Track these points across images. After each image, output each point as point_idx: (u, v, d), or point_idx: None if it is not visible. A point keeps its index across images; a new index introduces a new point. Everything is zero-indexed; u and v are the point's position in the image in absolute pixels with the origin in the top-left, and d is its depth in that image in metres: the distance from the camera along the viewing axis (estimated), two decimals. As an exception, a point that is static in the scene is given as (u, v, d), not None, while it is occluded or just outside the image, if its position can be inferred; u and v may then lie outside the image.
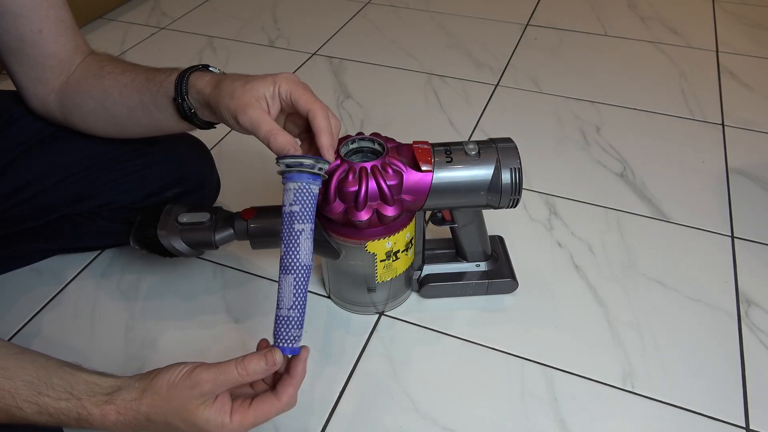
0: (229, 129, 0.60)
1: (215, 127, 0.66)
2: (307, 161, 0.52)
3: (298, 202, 0.52)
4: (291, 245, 0.52)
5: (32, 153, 0.71)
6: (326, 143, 0.56)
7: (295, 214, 0.52)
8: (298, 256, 0.52)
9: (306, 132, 0.60)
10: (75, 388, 0.50)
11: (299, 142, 0.58)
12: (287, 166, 0.52)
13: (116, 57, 0.69)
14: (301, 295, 0.52)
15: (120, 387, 0.51)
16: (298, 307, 0.52)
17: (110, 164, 0.74)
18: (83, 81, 0.66)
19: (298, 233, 0.52)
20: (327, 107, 0.57)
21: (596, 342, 0.71)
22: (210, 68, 0.63)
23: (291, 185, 0.52)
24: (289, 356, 0.53)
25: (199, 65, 0.62)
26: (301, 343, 0.53)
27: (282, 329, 0.52)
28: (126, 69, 0.66)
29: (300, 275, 0.52)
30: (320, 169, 0.53)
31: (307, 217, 0.52)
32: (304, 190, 0.52)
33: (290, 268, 0.51)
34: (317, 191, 0.53)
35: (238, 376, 0.50)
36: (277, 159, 0.53)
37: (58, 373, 0.50)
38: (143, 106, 0.64)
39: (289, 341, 0.51)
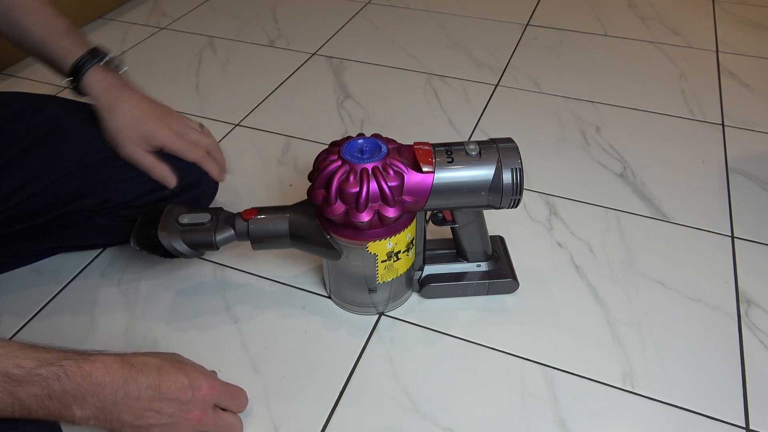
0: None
1: None
2: None
3: None
4: None
5: (29, 152, 0.71)
6: (217, 177, 0.81)
7: None
8: None
9: None
10: (46, 359, 0.47)
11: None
12: None
13: None
14: None
15: (98, 352, 0.51)
16: None
17: (107, 162, 0.74)
18: None
19: None
20: (204, 148, 0.79)
21: (596, 342, 0.71)
22: (105, 60, 0.73)
23: None
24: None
25: (96, 56, 0.72)
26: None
27: None
28: (20, 3, 0.71)
29: None
30: None
31: None
32: None
33: None
34: None
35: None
36: None
37: (24, 351, 0.47)
38: (37, 50, 0.73)
39: None
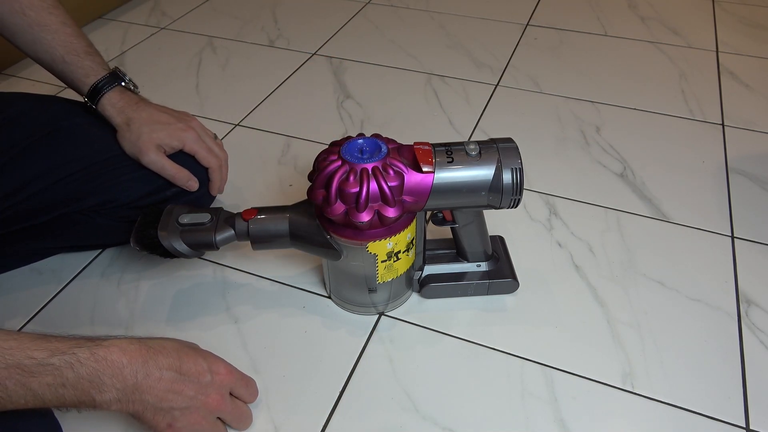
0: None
1: None
2: None
3: None
4: None
5: (31, 152, 0.71)
6: (214, 192, 0.82)
7: None
8: None
9: None
10: (58, 348, 0.47)
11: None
12: None
13: None
14: None
15: (113, 337, 0.52)
16: None
17: (109, 162, 0.74)
18: None
19: None
20: (220, 159, 0.80)
21: (596, 342, 0.71)
22: (123, 83, 0.75)
23: None
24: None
25: (115, 79, 0.74)
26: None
27: None
28: (42, 22, 0.72)
29: None
30: None
31: None
32: None
33: None
34: None
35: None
36: None
37: (35, 342, 0.47)
38: (57, 68, 0.74)
39: None
